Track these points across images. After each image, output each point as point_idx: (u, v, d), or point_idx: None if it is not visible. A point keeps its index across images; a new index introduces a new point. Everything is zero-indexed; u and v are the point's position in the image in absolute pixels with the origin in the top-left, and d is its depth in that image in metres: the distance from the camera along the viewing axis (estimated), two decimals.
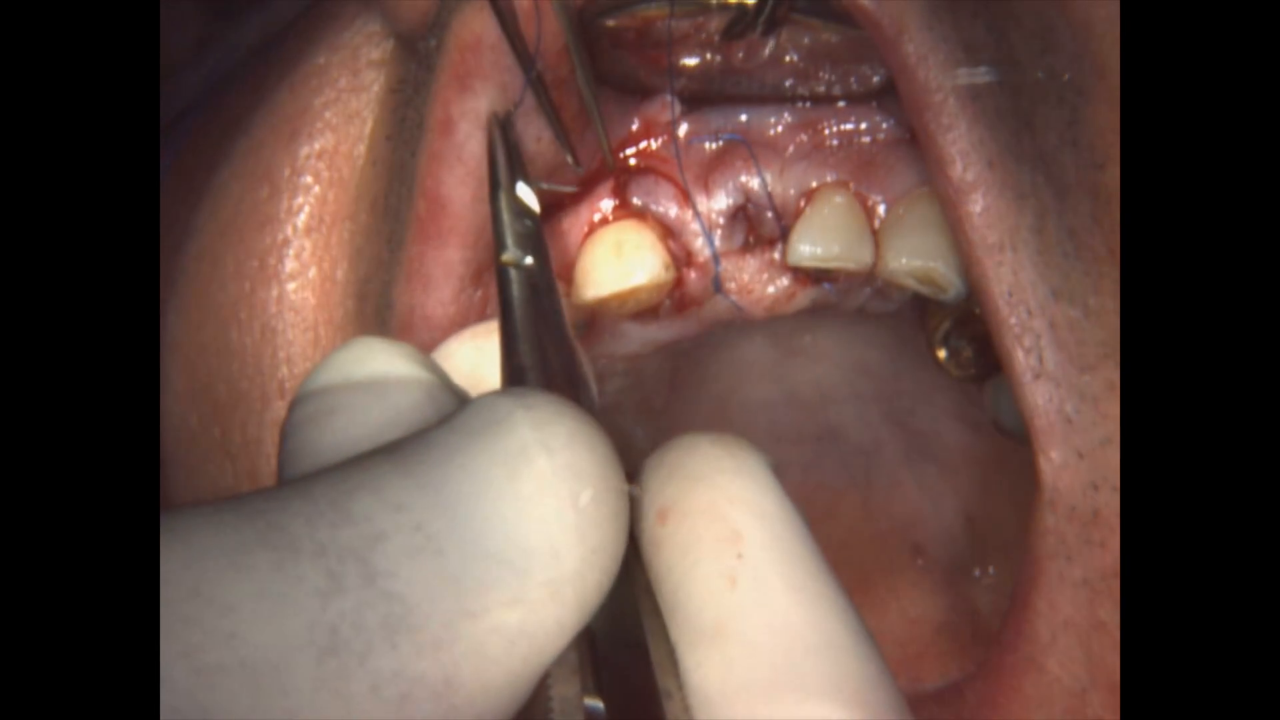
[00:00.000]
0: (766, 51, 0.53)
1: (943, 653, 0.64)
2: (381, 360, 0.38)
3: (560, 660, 0.32)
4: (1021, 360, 0.45)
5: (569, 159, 0.54)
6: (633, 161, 0.59)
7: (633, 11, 0.52)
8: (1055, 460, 0.44)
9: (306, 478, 0.32)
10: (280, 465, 0.38)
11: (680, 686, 0.33)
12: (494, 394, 0.34)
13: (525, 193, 0.46)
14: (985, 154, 0.45)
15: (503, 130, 0.50)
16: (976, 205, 0.45)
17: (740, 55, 0.54)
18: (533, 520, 0.31)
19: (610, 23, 0.52)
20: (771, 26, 0.50)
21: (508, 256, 0.44)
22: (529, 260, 0.44)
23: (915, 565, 0.66)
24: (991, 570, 0.65)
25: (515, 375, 0.40)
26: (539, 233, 0.45)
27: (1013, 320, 0.45)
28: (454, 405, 0.38)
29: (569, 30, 0.50)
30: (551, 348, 0.41)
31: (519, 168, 0.48)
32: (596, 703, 0.31)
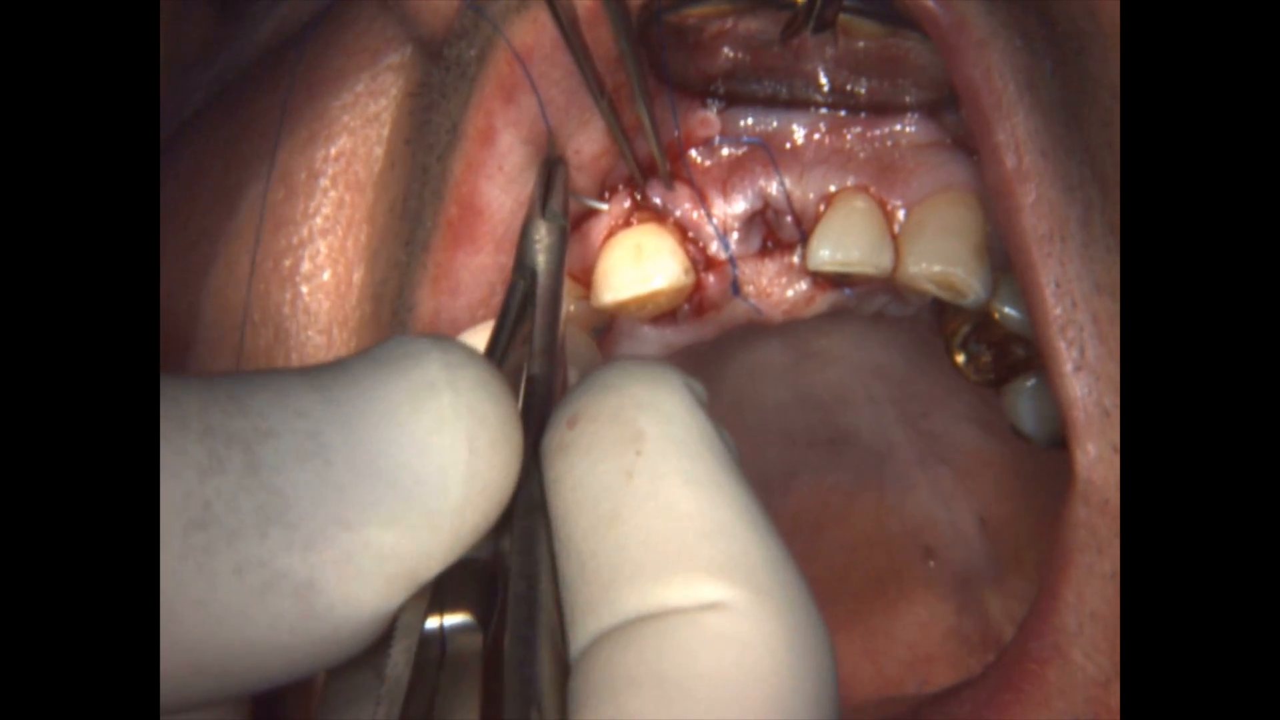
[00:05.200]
0: (813, 52, 0.54)
1: (953, 655, 0.64)
2: None
3: (421, 591, 0.33)
4: (1064, 352, 0.45)
5: (634, 174, 0.56)
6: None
7: (681, 11, 0.52)
8: (1091, 453, 0.45)
9: (219, 373, 0.33)
10: None
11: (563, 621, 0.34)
12: (412, 336, 0.36)
13: (555, 224, 0.47)
14: (1039, 144, 0.46)
15: (551, 168, 0.51)
16: (1030, 196, 0.46)
17: (791, 55, 0.54)
18: (428, 451, 0.32)
19: (671, 18, 0.53)
20: (821, 27, 0.50)
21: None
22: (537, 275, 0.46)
23: (928, 568, 0.66)
24: (1004, 574, 0.65)
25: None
26: (558, 267, 0.47)
27: (1058, 311, 0.45)
28: None
29: (621, 36, 0.50)
30: (533, 360, 0.43)
31: (564, 198, 0.50)
32: (441, 622, 0.33)
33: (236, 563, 0.30)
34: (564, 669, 0.33)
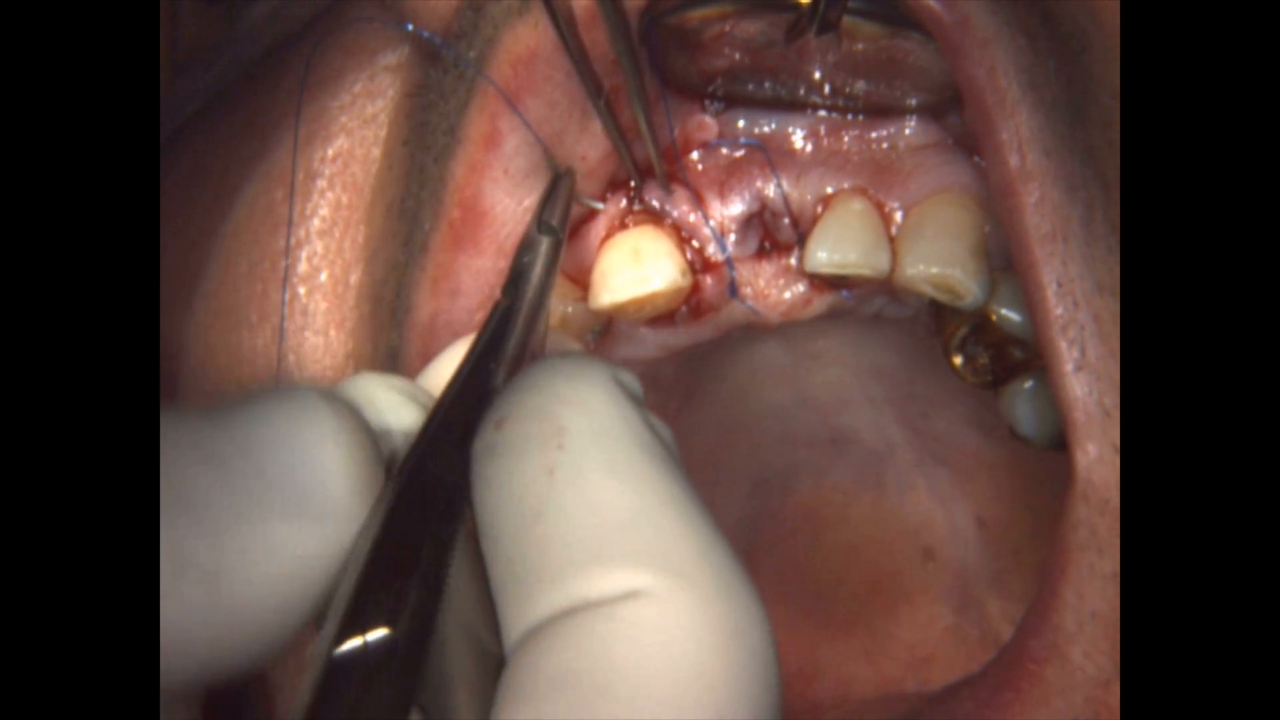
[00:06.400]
0: (814, 54, 0.54)
1: (953, 655, 0.65)
2: None
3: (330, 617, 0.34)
4: (1065, 351, 0.45)
5: (632, 176, 0.56)
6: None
7: (683, 14, 0.52)
8: (1091, 453, 0.45)
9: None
10: None
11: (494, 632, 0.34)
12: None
13: (550, 238, 0.47)
14: (1043, 143, 0.46)
15: (556, 183, 0.51)
16: (1033, 195, 0.46)
17: (793, 57, 0.54)
18: (311, 460, 0.35)
19: (672, 20, 0.53)
20: (825, 28, 0.50)
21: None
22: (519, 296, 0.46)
23: (927, 569, 0.67)
24: (1003, 575, 0.65)
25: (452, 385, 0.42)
26: (545, 279, 0.47)
27: (1059, 310, 0.45)
28: None
29: (618, 39, 0.50)
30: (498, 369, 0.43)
31: (565, 212, 0.50)
32: (364, 640, 0.33)
33: None
34: (492, 667, 0.33)
